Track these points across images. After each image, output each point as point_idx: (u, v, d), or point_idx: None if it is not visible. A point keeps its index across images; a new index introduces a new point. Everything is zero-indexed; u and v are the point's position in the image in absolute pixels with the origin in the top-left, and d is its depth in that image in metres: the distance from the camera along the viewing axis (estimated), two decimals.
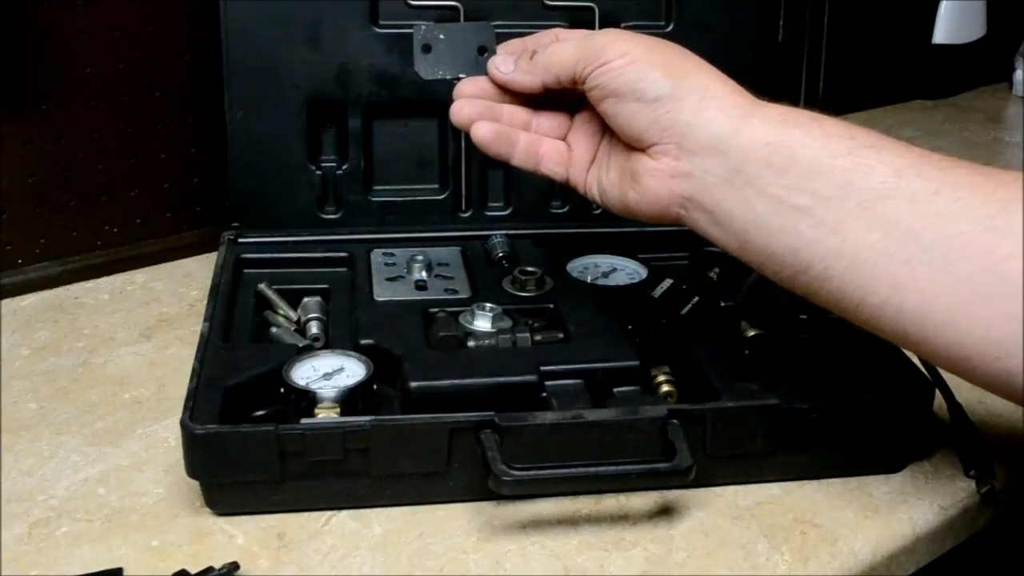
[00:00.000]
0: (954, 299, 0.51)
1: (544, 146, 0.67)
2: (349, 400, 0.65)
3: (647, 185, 0.61)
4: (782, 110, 0.58)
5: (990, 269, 0.50)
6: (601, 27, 0.90)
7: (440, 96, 0.89)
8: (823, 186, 0.54)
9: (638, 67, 0.59)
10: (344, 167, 0.90)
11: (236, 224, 0.88)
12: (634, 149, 0.62)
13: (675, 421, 0.63)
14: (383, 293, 0.79)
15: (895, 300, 0.53)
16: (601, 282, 0.84)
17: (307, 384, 0.66)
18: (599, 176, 0.65)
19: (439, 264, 0.84)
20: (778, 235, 0.56)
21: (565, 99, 0.67)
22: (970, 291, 0.50)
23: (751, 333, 0.76)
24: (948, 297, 0.51)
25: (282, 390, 0.66)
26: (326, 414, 0.64)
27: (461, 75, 0.68)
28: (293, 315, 0.78)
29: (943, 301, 0.51)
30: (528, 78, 0.65)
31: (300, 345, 0.72)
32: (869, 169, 0.53)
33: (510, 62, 0.66)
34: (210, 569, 0.57)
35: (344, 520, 0.63)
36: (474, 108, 0.66)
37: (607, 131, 0.65)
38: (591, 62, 0.61)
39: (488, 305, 0.76)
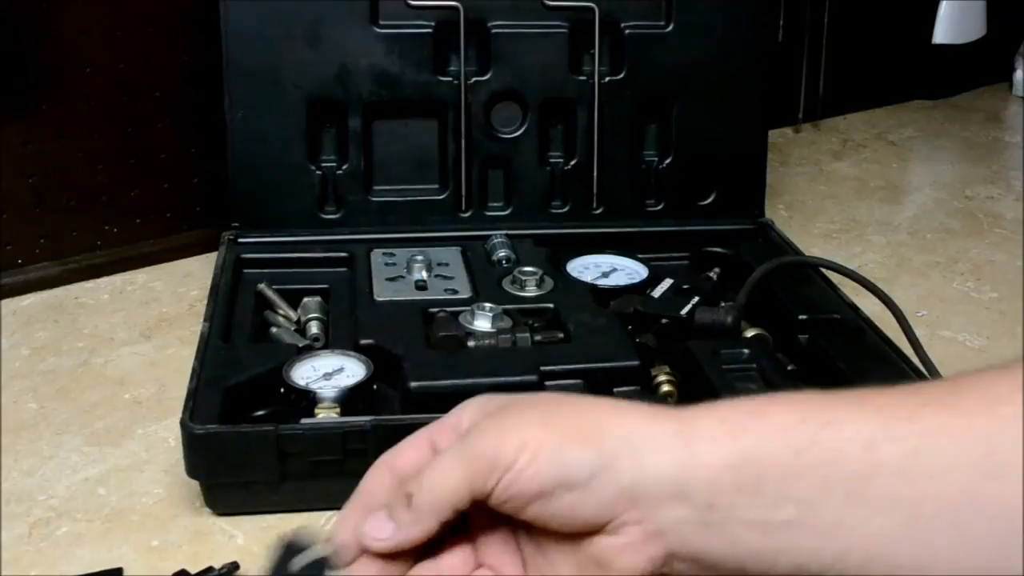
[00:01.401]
0: (983, 558, 0.47)
1: None
2: (349, 400, 0.65)
3: (622, 565, 0.49)
4: (717, 416, 0.48)
5: (1005, 515, 0.47)
6: (601, 28, 0.90)
7: (441, 96, 0.90)
8: (803, 491, 0.47)
9: (549, 454, 0.47)
10: (344, 167, 0.90)
11: (236, 224, 0.88)
12: (582, 536, 0.49)
13: None
14: (383, 293, 0.79)
15: None
16: (601, 282, 0.84)
17: (307, 384, 0.66)
18: None
19: (439, 264, 0.84)
20: (777, 558, 0.48)
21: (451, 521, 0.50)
22: (996, 547, 0.47)
23: (751, 333, 0.76)
24: (978, 559, 0.48)
25: (282, 390, 0.66)
26: (326, 414, 0.64)
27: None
28: (293, 315, 0.78)
29: (975, 564, 0.48)
30: (418, 528, 0.48)
31: (300, 345, 0.72)
32: (839, 453, 0.47)
33: (385, 523, 0.49)
34: (210, 569, 0.57)
35: None
36: None
37: (521, 529, 0.51)
38: (490, 475, 0.47)
39: (488, 305, 0.75)
